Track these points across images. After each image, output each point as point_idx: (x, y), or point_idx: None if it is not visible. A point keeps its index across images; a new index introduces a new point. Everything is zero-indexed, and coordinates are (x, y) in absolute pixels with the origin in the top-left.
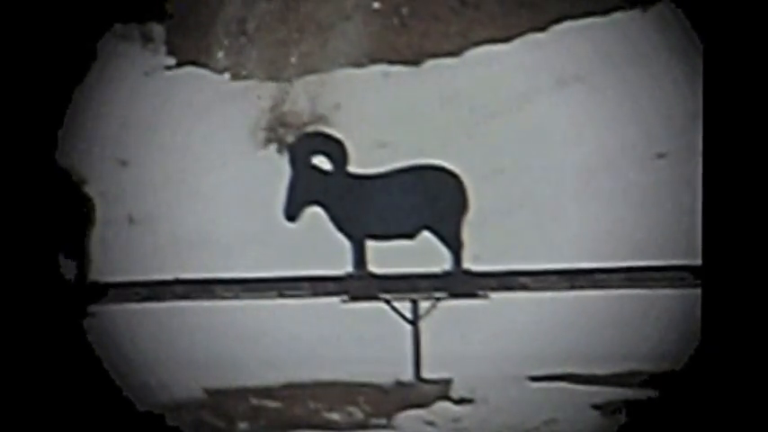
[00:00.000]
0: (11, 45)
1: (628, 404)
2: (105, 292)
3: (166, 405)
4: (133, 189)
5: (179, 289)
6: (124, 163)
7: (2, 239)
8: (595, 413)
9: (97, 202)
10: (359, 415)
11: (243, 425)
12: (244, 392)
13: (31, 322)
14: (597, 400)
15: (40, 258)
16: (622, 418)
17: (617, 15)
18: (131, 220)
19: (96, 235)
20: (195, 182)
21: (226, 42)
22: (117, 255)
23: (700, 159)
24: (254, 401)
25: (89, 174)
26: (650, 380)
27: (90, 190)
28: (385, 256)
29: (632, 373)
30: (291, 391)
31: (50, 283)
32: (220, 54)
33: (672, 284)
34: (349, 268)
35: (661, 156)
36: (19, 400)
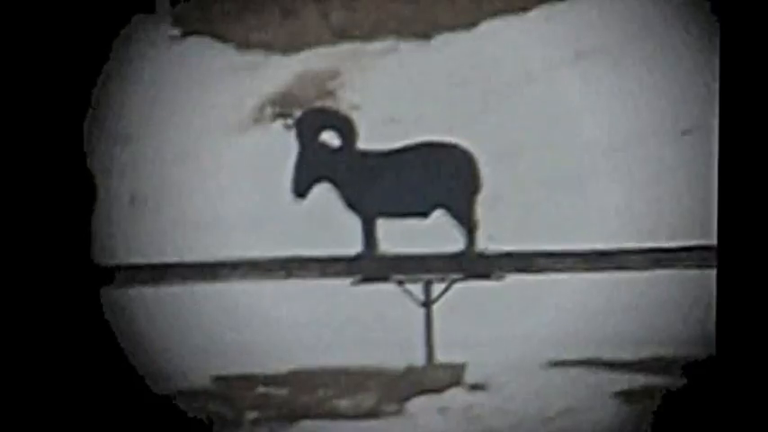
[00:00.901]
0: (11, 24)
1: (652, 392)
2: (107, 275)
3: (170, 394)
4: (135, 166)
5: (182, 271)
6: (125, 139)
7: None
8: (617, 401)
9: (97, 179)
10: (369, 402)
11: (251, 414)
12: (250, 380)
13: (33, 307)
14: (619, 388)
15: (42, 241)
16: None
17: None
18: (132, 199)
19: (96, 215)
20: (199, 159)
21: (231, 13)
22: (117, 236)
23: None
24: (261, 389)
25: (88, 150)
26: (675, 366)
27: (90, 167)
28: (397, 236)
29: (656, 359)
30: (299, 378)
31: (55, 266)
32: (226, 25)
33: (697, 265)
34: (359, 248)
35: (686, 132)
36: (22, 392)
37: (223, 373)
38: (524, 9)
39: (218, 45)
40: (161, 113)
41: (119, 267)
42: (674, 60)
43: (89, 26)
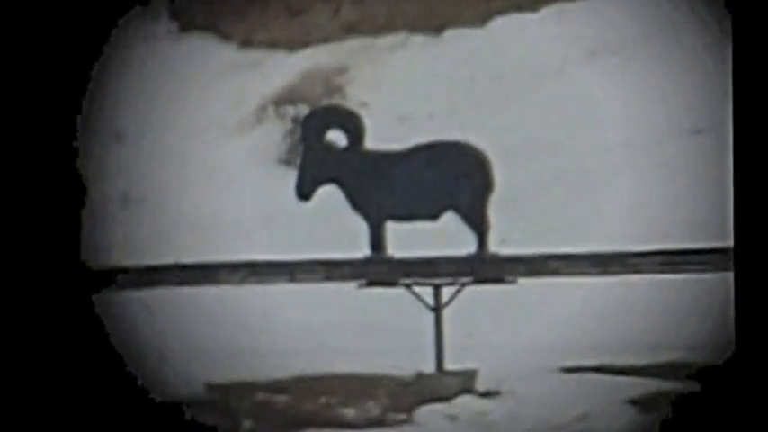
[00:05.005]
0: (10, 19)
1: (666, 398)
2: (100, 278)
3: (166, 402)
4: (129, 165)
5: (179, 274)
6: (119, 137)
7: None
8: (631, 408)
9: (90, 179)
10: (376, 410)
11: (248, 422)
12: (250, 386)
13: (22, 312)
14: (633, 394)
15: (30, 244)
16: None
17: None
18: (127, 199)
19: (88, 216)
20: (198, 158)
21: (233, 8)
22: (111, 237)
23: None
24: (262, 396)
25: (81, 149)
26: (690, 371)
27: (81, 166)
28: (405, 239)
29: (671, 364)
30: (303, 385)
31: (45, 270)
32: (227, 21)
33: (713, 268)
34: (366, 251)
35: (699, 131)
36: (18, 396)
37: (221, 380)
38: (536, 6)
39: (219, 40)
40: (158, 111)
41: (112, 270)
42: (689, 59)
43: (82, 20)
